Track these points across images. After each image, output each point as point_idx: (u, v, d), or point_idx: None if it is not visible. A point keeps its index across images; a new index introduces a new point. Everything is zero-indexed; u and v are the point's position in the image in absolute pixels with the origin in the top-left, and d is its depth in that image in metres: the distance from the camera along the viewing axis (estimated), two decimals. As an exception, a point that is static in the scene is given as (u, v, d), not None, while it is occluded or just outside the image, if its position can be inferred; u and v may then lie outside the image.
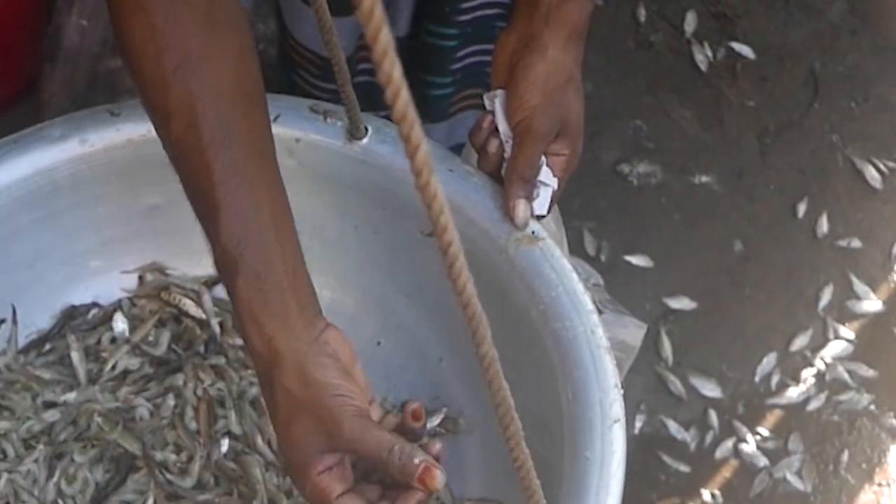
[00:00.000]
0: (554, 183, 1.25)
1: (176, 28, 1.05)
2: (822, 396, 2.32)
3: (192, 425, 1.32)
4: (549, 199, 1.25)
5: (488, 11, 1.53)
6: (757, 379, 2.33)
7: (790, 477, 2.24)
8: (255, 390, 1.35)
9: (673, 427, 2.26)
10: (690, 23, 2.78)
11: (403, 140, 0.68)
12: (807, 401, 2.31)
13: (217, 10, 1.09)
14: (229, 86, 1.08)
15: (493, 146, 1.25)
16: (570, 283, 1.21)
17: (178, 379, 1.34)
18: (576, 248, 2.41)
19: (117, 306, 1.40)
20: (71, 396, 1.33)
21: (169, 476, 1.28)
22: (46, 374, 1.35)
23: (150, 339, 1.38)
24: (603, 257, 2.43)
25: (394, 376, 1.37)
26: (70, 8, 2.19)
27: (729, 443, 2.26)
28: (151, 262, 1.41)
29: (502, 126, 1.24)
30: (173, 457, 1.30)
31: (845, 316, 2.44)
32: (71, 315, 1.39)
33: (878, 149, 2.67)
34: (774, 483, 2.25)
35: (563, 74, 1.21)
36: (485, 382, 0.86)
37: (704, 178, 2.56)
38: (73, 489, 1.28)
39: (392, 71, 0.65)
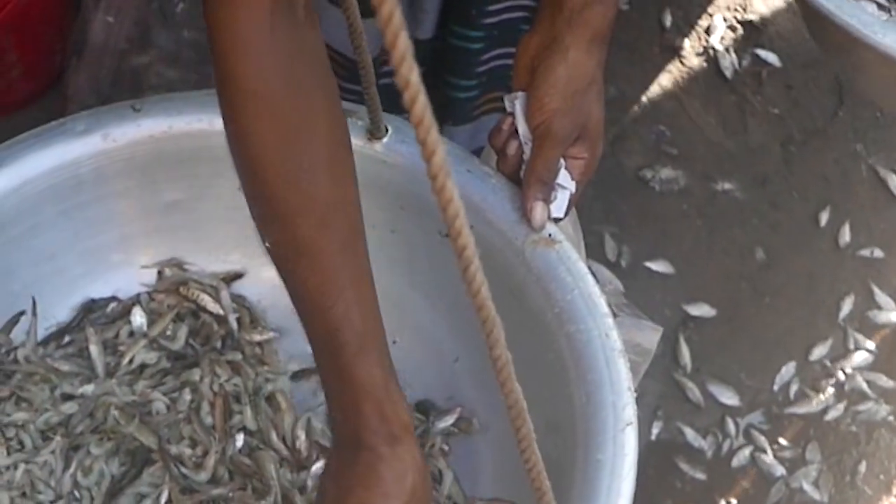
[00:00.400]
0: (572, 186, 1.25)
1: (306, 128, 1.08)
2: (841, 406, 2.31)
3: (208, 420, 1.33)
4: (566, 202, 1.25)
5: (514, 14, 1.54)
6: (776, 388, 2.32)
7: (807, 487, 2.24)
8: (270, 386, 1.36)
9: (690, 434, 2.26)
10: (717, 29, 2.77)
11: (420, 144, 0.69)
12: (825, 410, 2.30)
13: (335, 107, 1.12)
14: (351, 187, 1.11)
15: (512, 148, 1.25)
16: (586, 286, 1.22)
17: (195, 374, 1.35)
18: (596, 254, 2.41)
19: (136, 300, 1.41)
20: (88, 389, 1.34)
21: (184, 470, 1.29)
22: (65, 367, 1.36)
23: (168, 333, 1.39)
24: (623, 263, 2.42)
25: (409, 375, 1.37)
26: (97, 4, 2.21)
27: (746, 451, 2.25)
28: (170, 258, 1.42)
29: (522, 128, 1.24)
30: (188, 451, 1.31)
31: (866, 326, 2.42)
32: (90, 308, 1.40)
33: (903, 159, 2.66)
34: (791, 493, 2.24)
35: (584, 78, 1.21)
36: (498, 384, 0.86)
37: (727, 185, 2.55)
38: (89, 481, 1.30)
39: (410, 75, 0.66)
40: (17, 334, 1.37)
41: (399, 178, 1.32)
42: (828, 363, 2.36)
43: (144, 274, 1.42)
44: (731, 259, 2.47)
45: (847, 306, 2.43)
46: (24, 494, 1.29)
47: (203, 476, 1.29)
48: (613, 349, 1.18)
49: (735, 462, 2.24)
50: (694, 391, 2.29)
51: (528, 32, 1.26)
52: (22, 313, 1.37)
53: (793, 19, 2.84)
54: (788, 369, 2.33)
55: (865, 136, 2.67)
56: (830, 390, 2.32)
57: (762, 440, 2.26)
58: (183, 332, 1.39)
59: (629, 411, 1.15)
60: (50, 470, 1.30)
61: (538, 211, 1.24)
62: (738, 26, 2.80)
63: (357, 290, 1.09)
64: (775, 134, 2.65)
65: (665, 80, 2.71)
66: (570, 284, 1.22)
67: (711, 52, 2.74)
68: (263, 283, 1.42)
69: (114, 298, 1.41)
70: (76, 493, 1.30)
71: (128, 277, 1.42)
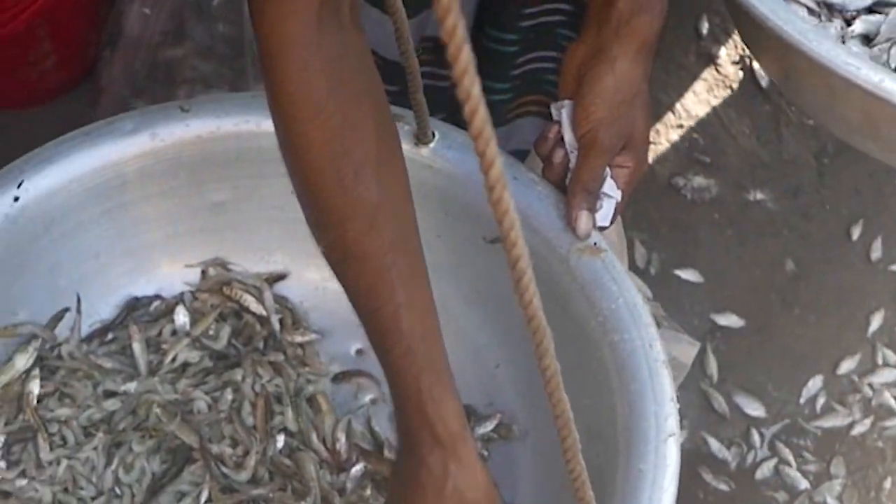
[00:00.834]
0: (617, 195, 1.25)
1: (353, 131, 1.08)
2: (868, 422, 2.30)
3: (249, 420, 1.34)
4: (612, 211, 1.26)
5: (551, 18, 1.54)
6: (802, 400, 2.31)
7: (831, 501, 2.22)
8: (311, 388, 1.37)
9: (714, 445, 2.25)
10: None
11: (479, 155, 0.69)
12: (851, 425, 2.29)
13: (383, 110, 1.14)
14: (402, 189, 1.13)
15: (558, 156, 1.26)
16: (630, 296, 1.22)
17: (237, 374, 1.36)
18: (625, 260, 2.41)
19: (179, 299, 1.42)
20: (131, 386, 1.35)
21: (224, 469, 1.30)
22: (108, 364, 1.37)
23: (211, 333, 1.40)
24: (653, 270, 2.42)
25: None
26: (134, -5, 2.22)
27: (770, 463, 2.24)
28: (214, 258, 1.43)
29: (568, 136, 1.25)
30: (229, 450, 1.32)
31: (895, 342, 2.42)
32: (133, 306, 1.41)
33: (937, 173, 2.65)
34: (814, 507, 2.24)
35: (631, 88, 1.21)
36: (546, 394, 0.87)
37: (759, 195, 2.55)
38: (131, 478, 1.30)
39: (472, 88, 0.67)
40: (62, 330, 1.38)
41: (445, 184, 1.33)
42: (855, 378, 2.35)
43: (188, 273, 1.43)
44: (760, 270, 2.46)
45: (876, 321, 2.42)
46: (66, 490, 1.29)
47: (243, 476, 1.30)
48: (657, 360, 1.18)
49: (759, 474, 2.24)
50: (720, 401, 2.29)
51: (575, 41, 1.26)
52: (66, 310, 1.38)
53: None
54: (815, 382, 2.32)
55: (900, 151, 2.66)
56: (857, 405, 2.31)
57: (787, 453, 2.25)
58: (226, 331, 1.40)
59: (672, 422, 1.15)
60: (92, 466, 1.31)
61: (583, 220, 1.24)
62: None
63: (406, 291, 1.10)
64: (809, 145, 2.64)
65: (700, 87, 2.70)
66: (614, 293, 1.22)
67: (747, 60, 2.73)
68: (306, 284, 1.44)
69: (157, 297, 1.42)
70: (117, 490, 1.30)
71: (171, 276, 1.43)
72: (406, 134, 1.33)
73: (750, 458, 2.25)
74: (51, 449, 1.31)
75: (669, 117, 2.63)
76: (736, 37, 2.75)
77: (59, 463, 1.30)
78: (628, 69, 1.21)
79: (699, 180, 2.56)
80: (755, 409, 2.28)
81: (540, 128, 1.41)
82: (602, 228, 1.27)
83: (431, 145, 1.33)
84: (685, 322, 2.29)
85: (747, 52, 2.71)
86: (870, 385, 2.34)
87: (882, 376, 2.35)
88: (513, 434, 1.34)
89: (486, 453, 1.33)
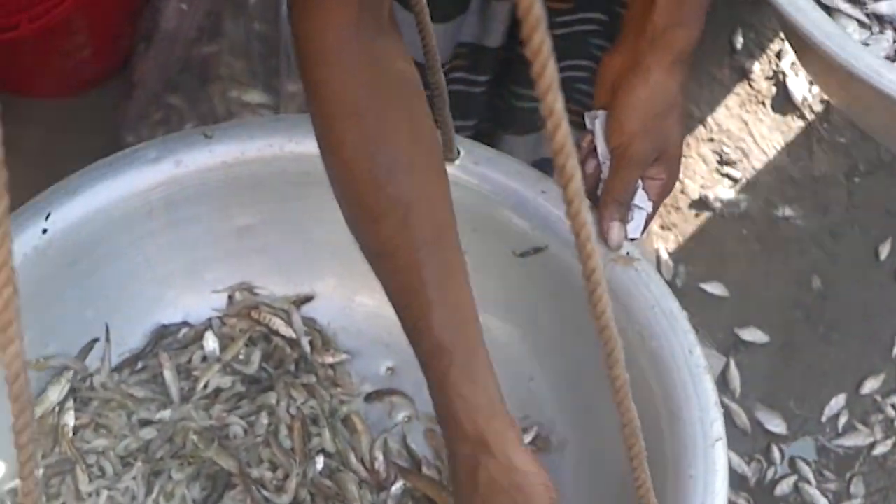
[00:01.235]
0: (648, 206, 1.26)
1: (387, 131, 1.11)
2: (889, 442, 2.28)
3: (287, 443, 1.34)
4: (643, 223, 1.27)
5: (584, 27, 1.54)
6: (824, 419, 2.30)
7: (850, 521, 2.24)
8: (345, 409, 1.37)
9: (734, 460, 2.24)
10: (788, 54, 2.75)
11: (558, 169, 0.70)
12: (873, 445, 2.28)
13: (418, 112, 1.16)
14: (437, 188, 1.15)
15: (590, 166, 1.27)
16: (667, 303, 1.23)
17: (271, 397, 1.36)
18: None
19: (208, 325, 1.42)
20: (166, 414, 1.35)
21: (265, 493, 1.30)
22: (140, 393, 1.36)
23: (241, 357, 1.40)
24: (679, 283, 2.41)
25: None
26: (171, -10, 2.21)
27: (790, 480, 2.23)
28: (241, 282, 1.43)
29: (601, 147, 1.26)
30: (269, 474, 1.31)
31: (920, 363, 2.42)
32: (162, 334, 1.41)
33: (968, 196, 2.65)
34: (833, 526, 2.24)
35: (665, 100, 1.22)
36: (615, 402, 0.88)
37: (788, 212, 2.54)
38: (172, 506, 1.30)
39: (555, 104, 0.68)
40: (92, 361, 1.37)
41: (471, 200, 1.33)
42: (878, 398, 2.34)
43: (215, 299, 1.43)
44: (786, 286, 2.45)
45: (902, 342, 2.43)
46: (107, 520, 1.29)
47: (285, 499, 1.30)
48: (698, 365, 1.19)
49: (778, 491, 2.23)
50: (741, 416, 2.28)
51: (610, 52, 1.27)
52: (96, 340, 1.38)
53: None
54: (838, 401, 2.31)
55: (932, 172, 2.67)
56: (879, 425, 2.30)
57: (807, 471, 2.25)
58: (256, 355, 1.39)
59: (718, 426, 1.16)
60: (132, 496, 1.31)
61: (615, 231, 1.25)
62: None
63: (438, 288, 1.12)
64: (840, 164, 2.63)
65: (732, 101, 2.70)
66: (650, 301, 1.23)
67: (781, 76, 2.73)
68: (333, 305, 1.44)
69: (185, 324, 1.42)
70: (158, 518, 1.30)
71: (198, 302, 1.43)
72: (431, 151, 1.33)
73: (770, 475, 2.24)
74: (90, 480, 1.30)
75: (701, 130, 2.63)
76: (770, 52, 2.75)
77: (98, 494, 1.30)
78: (663, 81, 1.21)
79: (728, 194, 2.55)
80: (776, 425, 2.28)
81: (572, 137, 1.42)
82: (633, 240, 1.27)
83: (457, 162, 1.33)
84: (709, 336, 2.30)
85: (781, 67, 2.71)
86: (892, 405, 2.33)
87: (905, 397, 2.36)
88: (551, 445, 1.34)
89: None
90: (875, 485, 2.25)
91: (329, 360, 1.40)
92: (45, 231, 1.30)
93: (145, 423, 1.35)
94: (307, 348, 1.40)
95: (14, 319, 0.69)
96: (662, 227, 2.46)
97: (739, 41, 2.76)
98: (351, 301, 1.43)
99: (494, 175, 1.33)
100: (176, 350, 1.40)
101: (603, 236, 1.26)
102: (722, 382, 2.29)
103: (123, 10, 2.32)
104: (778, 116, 2.68)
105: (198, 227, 1.40)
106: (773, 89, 2.72)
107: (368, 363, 1.42)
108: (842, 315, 2.42)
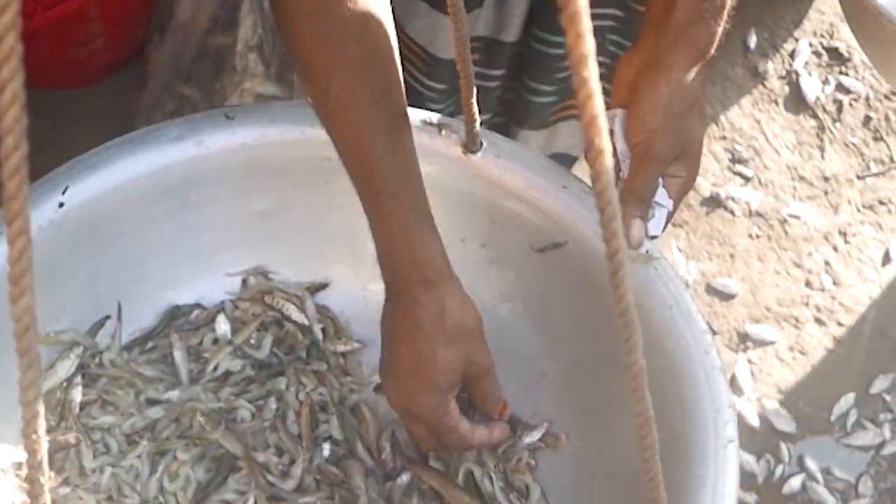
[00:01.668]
0: (669, 204, 1.25)
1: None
2: (898, 441, 2.31)
3: (294, 428, 1.33)
4: (663, 220, 1.26)
5: (600, 23, 1.54)
6: (833, 417, 2.31)
7: (858, 520, 2.24)
8: (355, 397, 1.36)
9: (743, 457, 2.25)
10: (801, 53, 2.77)
11: (587, 144, 0.70)
12: (882, 445, 2.29)
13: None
14: (388, 49, 1.21)
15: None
16: (685, 303, 1.22)
17: (281, 382, 1.35)
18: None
19: (220, 308, 1.41)
20: (174, 395, 1.34)
21: (270, 478, 1.29)
22: (149, 372, 1.35)
23: (252, 341, 1.39)
24: (689, 280, 2.43)
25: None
26: (187, -20, 2.21)
27: (798, 479, 2.24)
28: (256, 266, 1.42)
29: (620, 145, 1.25)
30: (275, 459, 1.31)
31: (929, 363, 2.43)
32: (174, 315, 1.40)
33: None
34: (841, 525, 2.24)
35: (686, 98, 1.21)
36: (630, 389, 0.87)
37: (799, 210, 2.56)
38: (175, 486, 1.29)
39: (588, 75, 0.68)
40: (103, 338, 1.36)
41: (492, 193, 1.32)
42: (888, 397, 2.35)
43: (229, 282, 1.42)
44: (797, 285, 2.47)
45: (912, 341, 2.43)
46: (110, 498, 1.28)
47: (290, 484, 1.29)
48: (713, 366, 1.18)
49: (786, 489, 2.23)
50: (751, 413, 2.29)
51: (631, 49, 1.26)
52: (107, 317, 1.37)
53: None
54: (847, 400, 2.32)
55: (944, 171, 2.68)
56: (888, 425, 2.32)
57: (815, 469, 2.26)
58: (268, 340, 1.39)
59: (731, 428, 1.15)
60: (136, 474, 1.30)
61: (636, 228, 1.24)
62: (824, 52, 2.81)
63: (390, 137, 1.18)
64: (851, 163, 2.66)
65: (745, 101, 2.72)
66: (668, 300, 1.22)
67: (794, 76, 2.75)
68: (347, 294, 1.43)
69: (198, 305, 1.41)
70: (161, 498, 1.29)
71: (212, 285, 1.42)
72: (454, 142, 1.33)
73: (778, 472, 2.25)
74: (94, 457, 1.29)
75: (714, 129, 2.64)
76: (783, 52, 2.77)
77: (102, 471, 1.29)
78: (684, 79, 1.20)
79: (740, 192, 2.56)
80: (785, 423, 2.29)
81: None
82: (653, 237, 1.26)
83: (479, 154, 1.32)
84: (720, 332, 2.32)
85: (794, 67, 2.73)
86: None
87: (915, 396, 2.37)
88: (561, 443, 1.33)
89: (532, 462, 1.32)
90: (883, 484, 2.25)
91: (341, 348, 1.39)
92: (61, 205, 1.29)
93: (153, 402, 1.34)
94: (319, 335, 1.39)
95: (27, 270, 0.68)
96: (674, 225, 2.47)
97: (753, 41, 2.78)
98: (365, 290, 1.42)
99: (516, 168, 1.32)
100: (187, 331, 1.39)
101: (624, 234, 1.24)
102: (731, 380, 2.30)
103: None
104: (790, 115, 2.69)
105: (215, 209, 1.39)
106: (786, 89, 2.73)
107: (379, 353, 1.41)
108: (852, 314, 2.43)
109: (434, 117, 1.34)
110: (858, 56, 2.80)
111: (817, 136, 2.68)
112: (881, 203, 2.60)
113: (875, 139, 2.70)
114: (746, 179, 2.59)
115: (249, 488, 1.29)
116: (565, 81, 1.61)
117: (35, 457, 0.68)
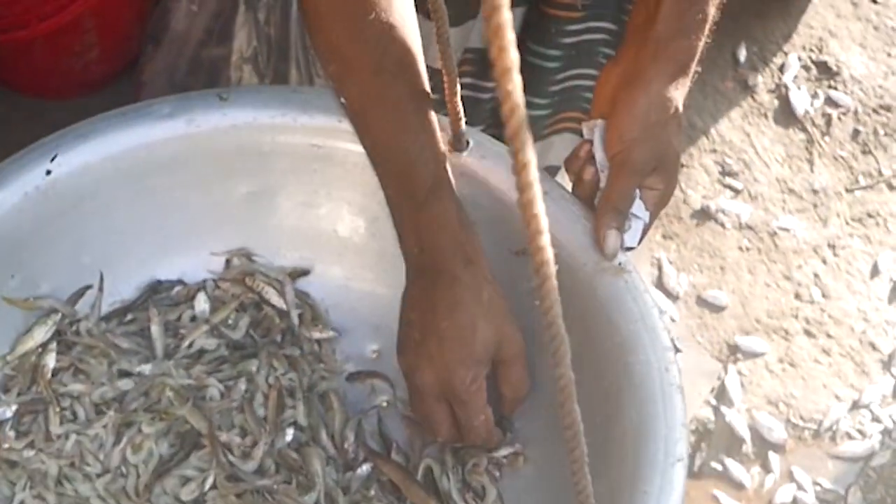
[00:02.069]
0: (646, 216, 1.25)
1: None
2: (887, 453, 2.31)
3: (261, 411, 1.34)
4: (640, 232, 1.26)
5: (593, 36, 1.54)
6: (822, 428, 2.32)
7: (846, 529, 2.24)
8: (324, 385, 1.37)
9: (733, 467, 2.26)
10: (791, 67, 2.79)
11: (513, 157, 0.70)
12: (871, 456, 2.30)
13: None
14: (418, 53, 1.26)
15: (588, 173, 1.26)
16: (651, 319, 1.22)
17: (252, 364, 1.36)
18: (654, 281, 2.43)
19: (201, 286, 1.42)
20: (146, 368, 1.35)
21: (231, 458, 1.30)
22: (125, 344, 1.37)
23: (230, 322, 1.40)
24: (680, 292, 2.43)
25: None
26: (182, -8, 2.22)
27: (788, 489, 2.25)
28: (240, 247, 1.43)
29: (599, 155, 1.25)
30: (238, 439, 1.32)
31: (917, 374, 2.43)
32: (155, 289, 1.41)
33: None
34: (829, 534, 2.24)
35: (665, 111, 1.21)
36: (558, 402, 0.87)
37: (789, 223, 2.56)
38: (138, 458, 1.30)
39: (514, 113, 0.68)
40: (82, 307, 1.38)
41: (476, 192, 1.32)
42: (876, 409, 2.35)
43: (212, 261, 1.43)
44: (786, 297, 2.48)
45: (900, 353, 2.43)
46: (72, 464, 1.29)
47: (250, 465, 1.30)
48: (671, 384, 1.18)
49: (777, 499, 2.25)
50: (741, 424, 2.29)
51: (612, 62, 1.26)
52: (88, 287, 1.38)
53: (867, 63, 2.84)
54: (837, 411, 2.33)
55: (932, 186, 2.68)
56: (878, 436, 2.32)
57: (805, 479, 2.26)
58: (244, 322, 1.40)
59: (681, 447, 1.15)
60: (100, 443, 1.31)
61: (611, 239, 1.24)
62: (813, 66, 2.82)
63: (428, 134, 1.24)
64: (840, 176, 2.66)
65: (735, 114, 2.72)
66: (634, 315, 1.22)
67: (783, 89, 2.75)
68: (329, 282, 1.44)
69: (180, 282, 1.42)
70: (123, 469, 1.30)
71: (195, 263, 1.43)
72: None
73: (768, 483, 2.26)
74: (61, 423, 1.31)
75: (703, 142, 2.65)
76: (773, 66, 2.78)
77: (67, 437, 1.30)
78: (664, 91, 1.21)
79: (730, 205, 2.57)
80: (775, 434, 2.29)
81: (575, 144, 1.41)
82: (629, 249, 1.26)
83: (465, 153, 1.32)
84: (709, 344, 2.32)
85: (783, 81, 2.73)
86: (891, 416, 2.35)
87: (903, 407, 2.37)
88: (518, 464, 1.33)
89: (497, 474, 1.32)
90: (872, 495, 2.26)
91: (316, 335, 1.40)
92: (48, 172, 1.31)
93: (124, 373, 1.35)
94: (296, 321, 1.40)
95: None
96: (664, 237, 2.47)
97: (743, 54, 2.79)
98: (347, 280, 1.43)
99: (500, 170, 1.32)
100: (167, 306, 1.41)
101: (599, 244, 1.25)
102: (721, 390, 2.30)
103: (133, 10, 2.34)
104: (780, 129, 2.69)
105: (203, 188, 1.40)
106: (776, 102, 2.73)
107: (356, 343, 1.42)
108: (841, 326, 2.44)
109: (423, 113, 1.34)
110: (847, 70, 2.80)
111: (806, 149, 2.68)
112: (870, 216, 2.60)
113: (864, 153, 2.70)
114: (736, 192, 2.59)
115: (210, 466, 1.30)
116: (559, 94, 1.61)
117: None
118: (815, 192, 2.63)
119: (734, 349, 2.38)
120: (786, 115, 2.74)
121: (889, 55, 2.88)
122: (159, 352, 1.37)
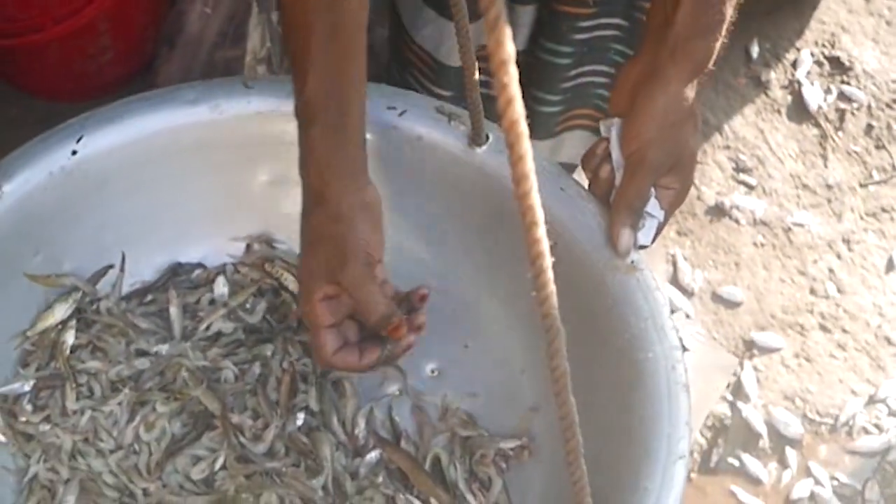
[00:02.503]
0: (660, 215, 1.26)
1: None
2: (904, 447, 2.31)
3: (273, 395, 1.35)
4: (653, 230, 1.26)
5: (605, 32, 1.54)
6: (839, 423, 2.32)
7: (863, 524, 2.24)
8: (338, 372, 1.38)
9: (750, 462, 2.26)
10: (803, 63, 2.78)
11: (509, 148, 0.71)
12: (888, 450, 2.30)
13: None
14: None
15: (604, 171, 1.26)
16: (660, 317, 1.23)
17: (267, 349, 1.38)
18: (669, 278, 2.44)
19: (221, 270, 1.44)
20: (163, 348, 1.37)
21: (242, 439, 1.32)
22: (143, 324, 1.39)
23: (247, 306, 1.42)
24: (696, 288, 2.44)
25: (476, 381, 1.39)
26: (196, -6, 2.24)
27: (805, 484, 2.25)
28: (261, 233, 1.45)
29: (615, 154, 1.26)
30: (250, 422, 1.33)
31: (934, 368, 2.42)
32: (176, 271, 1.44)
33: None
34: (847, 529, 2.24)
35: (682, 110, 1.21)
36: (553, 394, 0.87)
37: (803, 218, 2.56)
38: (150, 436, 1.32)
39: (510, 104, 0.68)
40: (103, 286, 1.40)
41: (496, 187, 1.33)
42: (893, 403, 2.35)
43: (233, 246, 1.45)
44: (802, 292, 2.48)
45: (916, 347, 2.43)
46: (86, 440, 1.32)
47: (260, 448, 1.31)
48: (677, 382, 1.19)
49: (794, 494, 2.24)
50: (757, 420, 2.29)
51: (630, 60, 1.27)
52: (110, 267, 1.41)
53: (880, 58, 2.84)
54: (853, 406, 2.33)
55: (947, 179, 2.68)
56: (894, 430, 2.32)
57: (822, 474, 2.26)
58: (262, 306, 1.42)
59: (683, 445, 1.15)
60: (114, 420, 1.33)
61: (625, 237, 1.24)
62: (825, 62, 2.81)
63: (323, 53, 1.21)
64: (854, 171, 2.66)
65: (748, 110, 2.72)
66: (644, 312, 1.23)
67: (796, 85, 2.75)
68: (348, 271, 1.45)
69: (200, 265, 1.45)
70: (136, 446, 1.33)
71: (216, 247, 1.45)
72: (461, 134, 1.34)
73: (785, 478, 2.26)
74: (77, 399, 1.33)
75: (717, 138, 2.65)
76: (785, 61, 2.78)
77: (83, 413, 1.33)
78: (681, 92, 1.21)
79: (744, 201, 2.57)
80: (792, 429, 2.29)
81: (587, 141, 1.41)
82: (643, 247, 1.27)
83: (484, 147, 1.34)
84: (725, 340, 2.32)
85: (796, 76, 2.73)
86: None
87: (920, 402, 2.36)
88: (524, 457, 1.34)
89: (504, 465, 1.33)
90: (889, 490, 2.26)
91: (332, 321, 1.41)
92: (74, 153, 1.33)
93: (141, 353, 1.37)
94: (312, 308, 1.41)
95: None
96: (679, 233, 2.47)
97: (755, 50, 2.78)
98: (366, 269, 1.44)
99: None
100: (186, 289, 1.43)
101: (613, 242, 1.25)
102: (738, 386, 2.31)
103: (147, 13, 2.35)
104: (793, 125, 2.69)
105: (226, 174, 1.42)
106: (789, 98, 2.73)
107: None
108: (856, 321, 2.44)
109: (445, 107, 1.36)
110: (860, 65, 2.79)
111: (820, 144, 2.67)
112: (884, 211, 2.60)
113: (877, 147, 2.69)
114: (750, 188, 2.59)
115: (221, 447, 1.32)
116: (571, 91, 1.62)
117: None
118: (829, 187, 2.63)
119: (750, 345, 2.39)
120: (799, 110, 2.74)
121: (904, 50, 2.88)
122: (177, 333, 1.39)
